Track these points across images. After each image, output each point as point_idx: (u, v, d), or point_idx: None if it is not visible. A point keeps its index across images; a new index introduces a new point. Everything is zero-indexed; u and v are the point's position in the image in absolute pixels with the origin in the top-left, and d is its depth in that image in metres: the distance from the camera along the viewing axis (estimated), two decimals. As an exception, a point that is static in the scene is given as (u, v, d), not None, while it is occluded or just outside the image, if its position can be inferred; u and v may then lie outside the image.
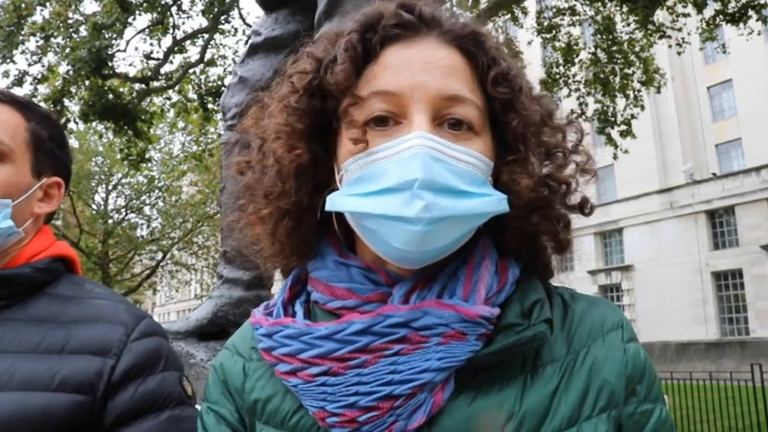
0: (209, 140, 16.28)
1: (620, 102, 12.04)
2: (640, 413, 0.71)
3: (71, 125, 12.77)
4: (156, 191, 23.77)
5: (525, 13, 12.18)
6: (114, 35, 11.45)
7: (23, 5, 11.06)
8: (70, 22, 11.58)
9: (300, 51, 0.81)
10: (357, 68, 0.73)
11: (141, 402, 0.94)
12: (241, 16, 15.63)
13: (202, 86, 13.28)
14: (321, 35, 0.83)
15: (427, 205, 0.64)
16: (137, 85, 13.23)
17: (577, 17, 11.94)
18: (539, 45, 14.01)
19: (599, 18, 11.56)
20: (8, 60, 11.17)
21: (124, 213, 24.37)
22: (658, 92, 12.73)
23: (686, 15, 11.08)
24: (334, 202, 0.71)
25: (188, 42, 13.38)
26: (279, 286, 0.88)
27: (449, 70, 0.72)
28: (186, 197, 24.52)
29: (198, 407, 0.92)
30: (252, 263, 0.88)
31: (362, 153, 0.70)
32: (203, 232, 24.18)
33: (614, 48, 11.61)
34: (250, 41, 3.39)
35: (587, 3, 11.56)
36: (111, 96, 11.68)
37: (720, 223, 26.42)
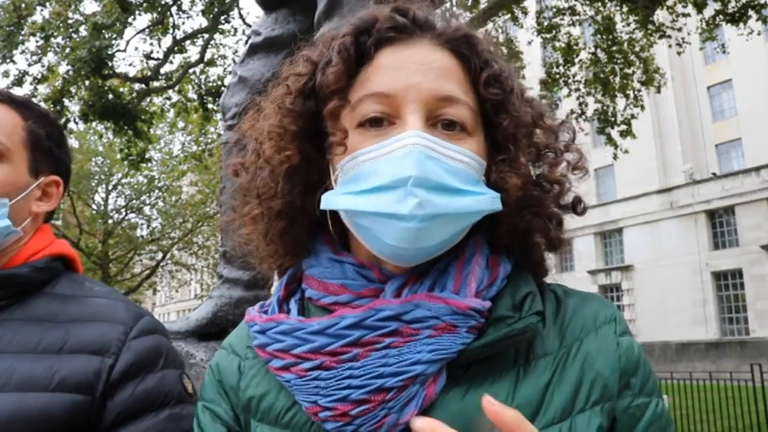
0: (209, 140, 16.28)
1: (620, 102, 12.03)
2: (635, 407, 0.71)
3: (71, 125, 12.73)
4: (156, 191, 23.76)
5: (525, 13, 12.17)
6: (114, 35, 11.44)
7: (23, 5, 11.05)
8: (70, 22, 11.57)
9: (297, 54, 0.82)
10: (350, 71, 0.74)
11: (141, 401, 0.94)
12: (241, 16, 15.64)
13: (202, 86, 13.28)
14: (318, 38, 0.84)
15: (421, 202, 0.65)
16: (137, 85, 13.22)
17: (577, 17, 11.93)
18: (539, 45, 14.00)
19: (599, 18, 11.55)
20: (8, 60, 11.15)
21: (124, 213, 24.36)
22: (658, 92, 12.72)
23: (686, 15, 11.08)
24: (328, 201, 0.72)
25: (188, 42, 13.38)
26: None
27: (442, 72, 0.73)
28: (186, 197, 24.51)
29: (197, 406, 0.92)
30: (251, 263, 0.89)
31: (356, 152, 0.71)
32: (203, 232, 24.18)
33: (614, 48, 11.60)
34: (250, 41, 3.39)
35: (587, 3, 11.56)
36: (111, 96, 11.67)
37: (720, 223, 26.42)
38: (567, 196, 0.81)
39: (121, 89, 12.80)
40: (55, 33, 11.43)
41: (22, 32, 11.25)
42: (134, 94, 12.91)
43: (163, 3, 12.07)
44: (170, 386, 0.98)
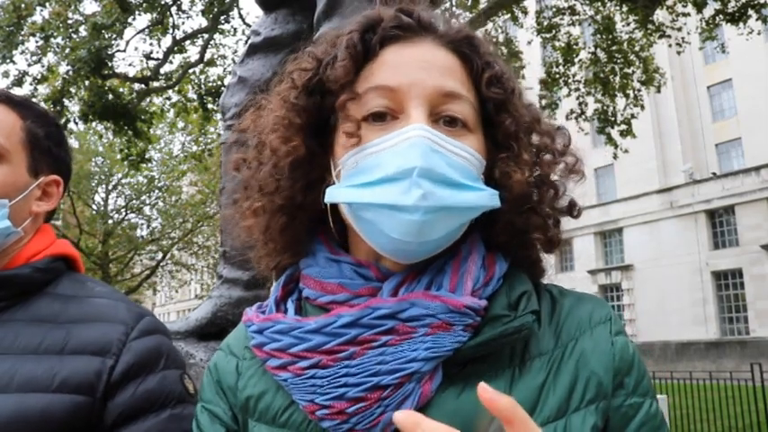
0: (209, 140, 16.27)
1: (620, 101, 12.03)
2: (628, 406, 0.72)
3: (71, 125, 12.72)
4: (156, 191, 23.78)
5: (525, 12, 12.16)
6: (114, 35, 11.43)
7: (23, 5, 11.03)
8: (70, 22, 11.56)
9: (301, 51, 0.83)
10: (357, 65, 0.75)
11: (142, 401, 0.94)
12: (241, 16, 15.64)
13: (202, 86, 13.27)
14: (321, 36, 0.85)
15: (425, 194, 0.65)
16: (136, 85, 13.20)
17: (577, 17, 11.93)
18: (538, 45, 14.00)
19: (599, 18, 11.55)
20: (8, 60, 11.15)
21: (124, 213, 24.38)
22: (658, 91, 12.72)
23: (686, 15, 11.07)
24: (332, 195, 0.73)
25: (188, 42, 13.37)
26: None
27: (445, 70, 0.75)
28: (186, 197, 24.52)
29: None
30: (251, 263, 0.89)
31: (360, 146, 0.72)
32: (203, 232, 24.20)
33: (614, 47, 11.60)
34: (249, 41, 3.39)
35: (587, 2, 11.55)
36: (110, 96, 11.66)
37: (720, 223, 26.42)
38: (562, 200, 0.82)
39: (121, 89, 12.78)
40: (55, 33, 11.42)
41: (22, 33, 11.23)
42: (134, 95, 12.90)
43: (163, 3, 12.06)
44: (171, 386, 0.98)
